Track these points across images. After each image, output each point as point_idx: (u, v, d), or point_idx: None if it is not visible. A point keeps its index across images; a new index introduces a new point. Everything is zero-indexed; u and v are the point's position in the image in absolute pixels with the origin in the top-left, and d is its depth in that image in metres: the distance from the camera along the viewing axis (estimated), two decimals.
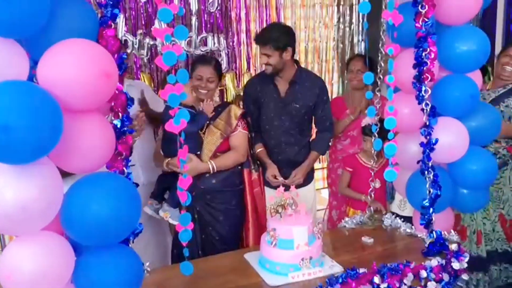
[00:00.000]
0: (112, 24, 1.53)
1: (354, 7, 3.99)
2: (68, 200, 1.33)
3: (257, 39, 2.57)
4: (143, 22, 3.29)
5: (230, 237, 2.45)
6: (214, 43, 3.44)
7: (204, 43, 3.42)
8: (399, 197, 2.76)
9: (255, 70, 3.72)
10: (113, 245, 1.41)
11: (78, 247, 1.39)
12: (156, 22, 3.28)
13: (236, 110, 2.43)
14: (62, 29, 1.36)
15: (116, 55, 1.47)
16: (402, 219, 2.30)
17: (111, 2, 1.50)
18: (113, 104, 1.50)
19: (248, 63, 3.73)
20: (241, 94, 3.39)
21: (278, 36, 2.48)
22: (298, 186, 2.47)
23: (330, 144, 2.88)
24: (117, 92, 1.48)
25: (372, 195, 2.39)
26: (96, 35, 1.47)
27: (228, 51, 3.52)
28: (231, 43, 3.55)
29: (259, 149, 2.64)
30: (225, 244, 2.41)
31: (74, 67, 1.28)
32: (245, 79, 3.54)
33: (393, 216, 2.33)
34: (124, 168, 1.51)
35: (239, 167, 2.48)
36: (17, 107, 1.14)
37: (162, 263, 2.68)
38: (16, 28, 1.21)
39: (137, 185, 1.52)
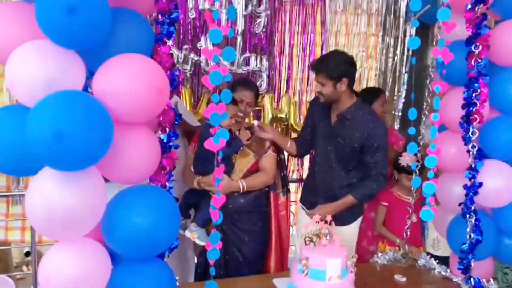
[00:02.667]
0: (167, 41, 1.56)
1: (399, 39, 3.96)
2: (111, 210, 1.34)
3: (312, 66, 2.45)
4: (189, 38, 3.36)
5: (253, 259, 2.44)
6: (257, 64, 3.47)
7: (247, 62, 3.46)
8: (433, 235, 2.68)
9: (293, 93, 3.72)
10: (150, 258, 1.42)
11: (115, 257, 1.40)
12: (202, 39, 3.34)
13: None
14: (120, 43, 1.40)
15: (168, 72, 1.50)
16: (435, 259, 2.23)
17: (168, 20, 1.54)
18: (161, 119, 1.52)
19: (287, 86, 3.74)
20: (278, 115, 3.41)
21: (334, 66, 2.30)
22: (340, 224, 2.32)
23: (372, 194, 2.45)
24: (166, 107, 1.51)
25: (408, 233, 2.32)
26: (151, 51, 1.51)
27: (269, 73, 3.54)
28: (272, 65, 3.57)
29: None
30: (248, 265, 2.40)
31: (128, 81, 1.31)
32: (284, 101, 3.55)
33: (428, 256, 2.25)
34: (167, 183, 1.53)
35: (267, 189, 2.48)
36: (72, 116, 1.17)
37: (183, 278, 2.68)
38: (79, 40, 1.26)
39: (177, 200, 1.53)
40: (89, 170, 1.28)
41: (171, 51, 1.58)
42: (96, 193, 1.31)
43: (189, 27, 3.36)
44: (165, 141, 1.54)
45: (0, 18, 1.37)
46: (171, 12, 1.54)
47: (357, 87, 3.97)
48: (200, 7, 3.33)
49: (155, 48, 1.52)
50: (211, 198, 1.66)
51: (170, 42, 1.54)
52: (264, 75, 3.51)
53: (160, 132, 1.55)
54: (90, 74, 1.41)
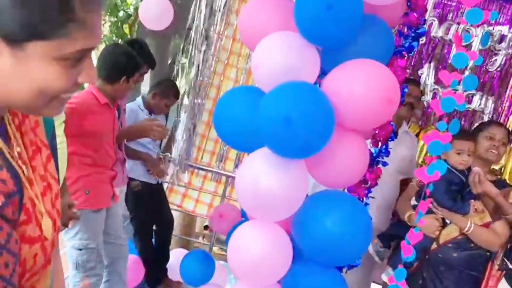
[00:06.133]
0: (406, 55, 1.50)
1: None
2: (307, 207, 1.35)
3: None
4: (412, 63, 3.22)
5: None
6: (480, 104, 3.13)
7: (469, 100, 3.15)
8: None
9: None
10: (329, 267, 1.38)
11: (297, 254, 1.40)
12: (425, 67, 3.17)
13: None
14: (360, 48, 1.39)
15: (400, 86, 1.44)
16: None
17: (413, 35, 1.47)
18: (377, 132, 1.47)
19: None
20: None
21: None
22: None
23: None
24: (386, 121, 1.45)
25: None
26: (387, 62, 1.47)
27: (492, 115, 3.16)
28: (499, 108, 3.17)
29: None
30: None
31: (361, 85, 1.29)
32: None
33: None
34: (364, 197, 1.47)
35: (487, 254, 2.15)
36: (300, 103, 1.21)
37: None
38: (329, 37, 1.29)
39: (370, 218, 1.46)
40: (298, 162, 1.31)
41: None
42: (299, 185, 1.32)
43: (415, 52, 3.22)
44: (374, 155, 1.49)
45: (259, 7, 1.51)
46: (418, 27, 1.48)
47: None
48: (432, 34, 3.17)
49: (391, 60, 1.47)
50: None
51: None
52: (486, 117, 3.15)
53: (371, 145, 1.50)
54: (322, 73, 1.44)
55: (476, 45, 3.09)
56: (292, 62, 1.31)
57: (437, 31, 3.10)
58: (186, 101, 3.61)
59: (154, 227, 3.30)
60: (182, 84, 3.66)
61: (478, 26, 2.89)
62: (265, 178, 1.29)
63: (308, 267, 1.38)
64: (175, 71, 3.81)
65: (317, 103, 1.23)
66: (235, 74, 3.69)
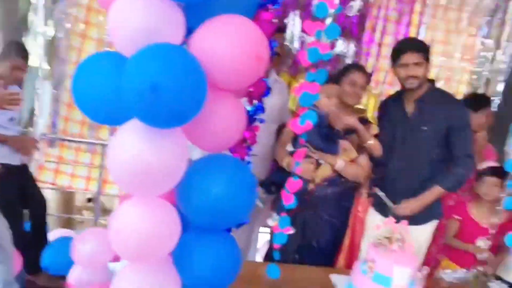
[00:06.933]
0: (270, 8, 1.47)
1: (501, 43, 3.62)
2: (189, 176, 1.29)
3: (410, 45, 2.24)
4: (278, 13, 3.25)
5: (329, 252, 2.41)
6: (342, 48, 3.31)
7: (332, 45, 3.31)
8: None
9: (375, 85, 3.53)
10: (218, 231, 1.37)
11: (185, 223, 1.36)
12: (290, 14, 3.23)
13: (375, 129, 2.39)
14: (222, 2, 1.33)
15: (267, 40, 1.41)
16: (509, 285, 2.04)
17: None
18: (251, 90, 1.45)
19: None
20: (359, 107, 3.24)
21: (427, 46, 2.26)
22: (413, 223, 2.13)
23: (461, 181, 2.25)
24: (258, 78, 1.42)
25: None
26: (252, 15, 1.42)
27: (353, 59, 3.38)
28: (358, 52, 3.40)
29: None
30: (324, 257, 2.36)
31: (228, 43, 1.24)
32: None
33: (504, 284, 2.06)
34: (246, 156, 1.46)
35: (355, 185, 2.38)
36: (168, 69, 1.12)
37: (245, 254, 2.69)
38: None
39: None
40: (174, 130, 1.24)
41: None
42: (178, 154, 1.26)
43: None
44: (251, 113, 1.47)
45: None
46: None
47: (446, 88, 3.71)
48: None
49: (257, 13, 1.43)
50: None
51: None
52: (348, 60, 3.36)
53: (247, 103, 1.48)
54: (188, 32, 1.35)
55: None
56: (152, 23, 1.20)
57: None
58: (45, 66, 3.23)
59: (26, 211, 2.99)
60: (34, 46, 3.24)
61: None
62: (141, 152, 1.20)
63: (197, 234, 1.36)
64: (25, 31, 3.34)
65: (185, 66, 1.15)
66: (97, 33, 3.38)
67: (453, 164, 2.23)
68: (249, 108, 1.46)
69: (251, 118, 1.46)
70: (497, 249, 2.37)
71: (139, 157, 1.20)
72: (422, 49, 2.22)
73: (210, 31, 1.27)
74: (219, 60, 1.24)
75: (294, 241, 2.25)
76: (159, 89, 1.08)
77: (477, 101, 2.78)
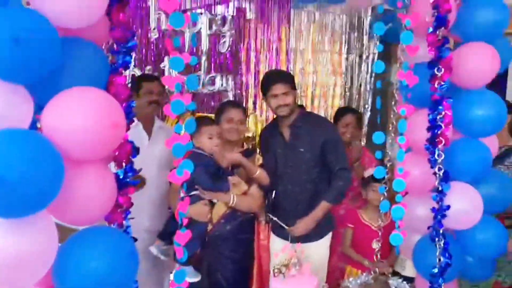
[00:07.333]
0: (123, 72, 1.49)
1: (363, 56, 4.00)
2: (63, 255, 1.24)
3: (277, 77, 2.45)
4: (152, 58, 3.28)
5: (241, 284, 2.41)
6: (222, 83, 3.42)
7: (212, 82, 3.41)
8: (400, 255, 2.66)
9: (261, 112, 3.69)
10: None
11: None
12: (166, 59, 3.27)
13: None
14: (71, 74, 1.32)
15: (124, 104, 1.42)
16: (403, 279, 2.21)
17: (124, 50, 1.46)
18: (117, 153, 1.43)
19: (255, 104, 3.71)
20: (246, 135, 3.35)
21: (292, 77, 2.52)
22: (308, 240, 2.34)
23: (342, 192, 2.46)
24: (122, 141, 1.42)
25: (379, 256, 2.30)
26: (105, 81, 1.43)
27: (235, 92, 3.50)
28: (238, 84, 3.53)
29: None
30: None
31: (79, 116, 1.23)
32: (251, 120, 3.51)
33: (401, 279, 2.23)
34: (124, 221, 1.44)
35: (252, 215, 2.44)
36: (15, 158, 1.08)
37: None
38: (26, 74, 1.17)
39: (135, 239, 1.44)
40: (38, 214, 1.19)
41: (132, 72, 1.51)
42: (47, 238, 1.21)
43: (152, 47, 3.29)
44: (121, 177, 1.45)
45: None
46: (127, 41, 1.47)
47: (323, 104, 3.98)
48: (163, 27, 3.27)
49: (110, 78, 1.43)
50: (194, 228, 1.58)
51: (126, 72, 1.47)
52: (230, 94, 3.47)
53: (116, 167, 1.46)
54: (39, 108, 1.31)
55: (205, 30, 3.34)
56: None
57: (166, 24, 3.21)
58: None
59: None
60: None
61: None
62: (4, 244, 1.13)
63: None
64: None
65: (35, 152, 1.11)
66: None
67: (333, 179, 2.42)
68: (119, 171, 1.44)
69: (122, 182, 1.44)
70: (390, 247, 2.56)
71: (4, 250, 1.13)
72: (288, 79, 2.43)
73: (59, 106, 1.25)
74: (73, 133, 1.22)
75: (203, 285, 2.25)
76: (6, 181, 1.04)
77: (337, 113, 3.07)
